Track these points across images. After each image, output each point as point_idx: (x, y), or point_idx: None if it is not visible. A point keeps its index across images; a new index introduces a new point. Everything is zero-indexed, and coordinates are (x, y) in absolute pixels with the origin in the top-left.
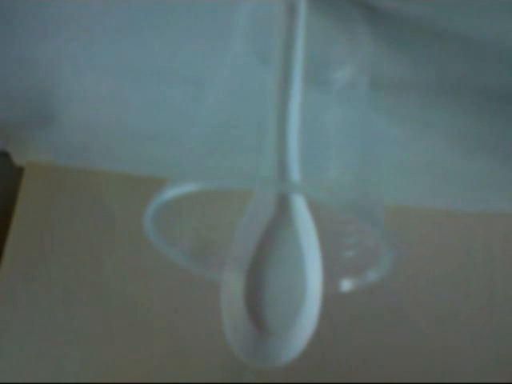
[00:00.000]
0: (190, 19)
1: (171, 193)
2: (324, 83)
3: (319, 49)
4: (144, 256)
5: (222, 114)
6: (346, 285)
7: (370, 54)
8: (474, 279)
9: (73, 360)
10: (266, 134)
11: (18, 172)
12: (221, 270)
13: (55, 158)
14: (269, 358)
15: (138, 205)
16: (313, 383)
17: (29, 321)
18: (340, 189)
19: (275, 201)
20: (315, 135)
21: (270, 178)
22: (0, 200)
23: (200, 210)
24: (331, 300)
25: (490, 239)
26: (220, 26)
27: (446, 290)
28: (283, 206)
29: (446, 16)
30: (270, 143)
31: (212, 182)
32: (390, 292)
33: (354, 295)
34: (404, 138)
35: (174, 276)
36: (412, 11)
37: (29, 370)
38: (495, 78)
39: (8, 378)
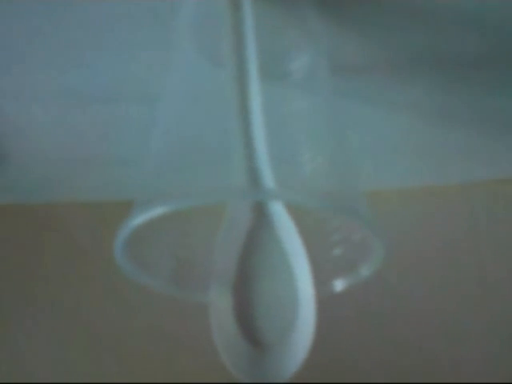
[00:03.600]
0: (129, 30)
1: (138, 219)
2: (282, 76)
3: (271, 40)
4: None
5: (179, 124)
6: (339, 285)
7: (325, 37)
8: (462, 252)
9: None
10: (231, 140)
11: None
12: (206, 290)
13: (14, 197)
14: (269, 374)
15: (110, 231)
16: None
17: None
18: (317, 187)
19: (251, 208)
20: (282, 132)
21: (243, 187)
22: None
23: (175, 230)
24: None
25: (473, 208)
26: (162, 31)
27: (436, 269)
28: (261, 212)
29: None
30: (236, 149)
31: (182, 202)
32: (378, 278)
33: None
34: (371, 119)
35: (159, 301)
36: None
37: None
38: (455, 45)
39: None
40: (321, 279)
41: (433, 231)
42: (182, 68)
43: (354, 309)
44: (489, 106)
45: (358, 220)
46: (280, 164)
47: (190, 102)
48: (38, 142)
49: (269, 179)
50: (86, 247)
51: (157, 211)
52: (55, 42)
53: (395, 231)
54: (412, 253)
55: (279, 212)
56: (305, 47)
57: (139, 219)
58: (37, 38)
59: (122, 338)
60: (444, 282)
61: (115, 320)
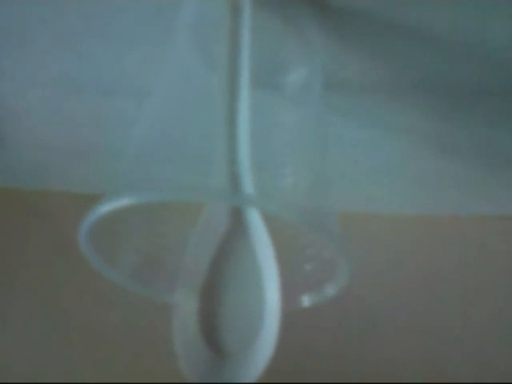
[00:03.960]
0: (130, 25)
1: (105, 208)
2: (277, 87)
3: (269, 51)
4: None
5: (165, 119)
6: (307, 300)
7: (323, 54)
8: (447, 285)
9: None
10: (215, 143)
11: None
12: (171, 291)
13: (6, 180)
14: (226, 383)
15: None
16: None
17: None
18: (293, 201)
19: (229, 213)
20: (268, 142)
21: (220, 190)
22: None
23: (149, 228)
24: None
25: (463, 242)
26: (163, 29)
27: (419, 299)
28: (237, 218)
29: (403, 9)
30: (220, 153)
31: (154, 195)
32: (364, 302)
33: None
34: (368, 141)
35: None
36: (365, 5)
37: None
38: (458, 75)
39: None
40: (289, 293)
41: (420, 261)
42: (175, 65)
43: (335, 336)
44: (490, 141)
45: (327, 238)
46: (262, 173)
47: (179, 100)
48: (34, 127)
49: (249, 185)
50: (72, 238)
51: (125, 202)
52: (56, 29)
53: (381, 256)
54: (396, 281)
55: (256, 221)
56: (302, 61)
57: (106, 207)
58: (38, 23)
59: (98, 330)
60: (426, 313)
61: (94, 312)
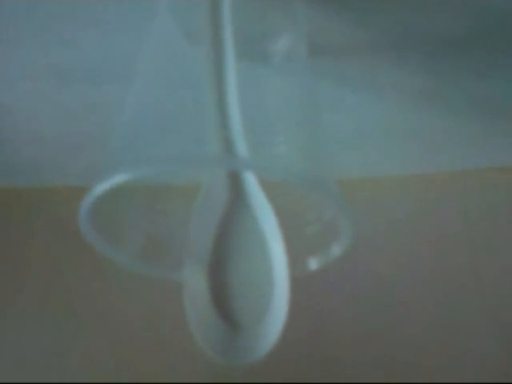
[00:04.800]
0: (115, 10)
1: (105, 185)
2: (263, 57)
3: (253, 20)
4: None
5: (152, 96)
6: (313, 263)
7: (308, 20)
8: (453, 241)
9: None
10: (206, 115)
11: None
12: (177, 269)
13: (3, 179)
14: (242, 354)
15: None
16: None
17: None
18: (290, 163)
19: (227, 186)
20: (259, 112)
21: (218, 155)
22: None
23: (150, 207)
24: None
25: (464, 197)
26: (150, 11)
27: (426, 258)
28: (236, 189)
29: None
30: (211, 124)
31: (151, 168)
32: (371, 266)
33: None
34: (360, 104)
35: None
36: None
37: None
38: (441, 26)
39: None
40: (296, 258)
41: (423, 220)
42: (161, 39)
43: (345, 296)
44: (479, 91)
45: (329, 196)
46: (255, 143)
47: (165, 78)
48: (26, 122)
49: (243, 152)
50: (77, 232)
51: (121, 178)
52: (40, 20)
53: (384, 220)
54: (402, 242)
55: (255, 191)
56: (286, 29)
57: (102, 186)
58: (23, 14)
59: (106, 322)
60: (434, 272)
61: (102, 305)
